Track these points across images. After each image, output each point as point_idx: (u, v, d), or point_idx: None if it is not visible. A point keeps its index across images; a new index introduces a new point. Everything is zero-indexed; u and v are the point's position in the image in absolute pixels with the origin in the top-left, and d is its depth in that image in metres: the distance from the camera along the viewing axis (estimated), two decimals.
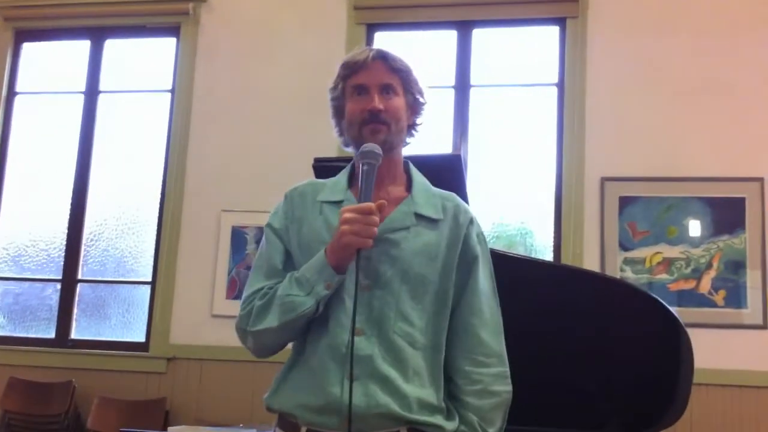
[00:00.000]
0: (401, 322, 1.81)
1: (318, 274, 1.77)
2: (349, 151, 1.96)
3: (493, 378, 1.86)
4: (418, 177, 1.98)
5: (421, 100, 1.96)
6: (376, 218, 1.74)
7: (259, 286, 1.88)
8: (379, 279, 1.81)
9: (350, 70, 1.92)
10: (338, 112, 1.97)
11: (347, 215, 1.73)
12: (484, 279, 1.93)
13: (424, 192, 1.94)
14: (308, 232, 1.88)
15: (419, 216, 1.88)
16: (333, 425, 1.74)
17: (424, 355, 1.82)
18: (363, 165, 1.81)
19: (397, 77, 1.91)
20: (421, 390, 1.80)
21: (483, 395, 1.84)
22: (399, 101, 1.91)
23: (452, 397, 1.87)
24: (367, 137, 1.86)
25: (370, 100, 1.88)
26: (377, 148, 1.82)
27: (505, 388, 1.88)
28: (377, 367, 1.77)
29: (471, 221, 1.94)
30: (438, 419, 1.81)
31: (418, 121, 1.98)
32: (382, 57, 1.91)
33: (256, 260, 1.96)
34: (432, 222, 1.89)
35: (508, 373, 1.89)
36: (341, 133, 1.97)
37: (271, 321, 1.81)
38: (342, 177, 1.97)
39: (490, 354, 1.87)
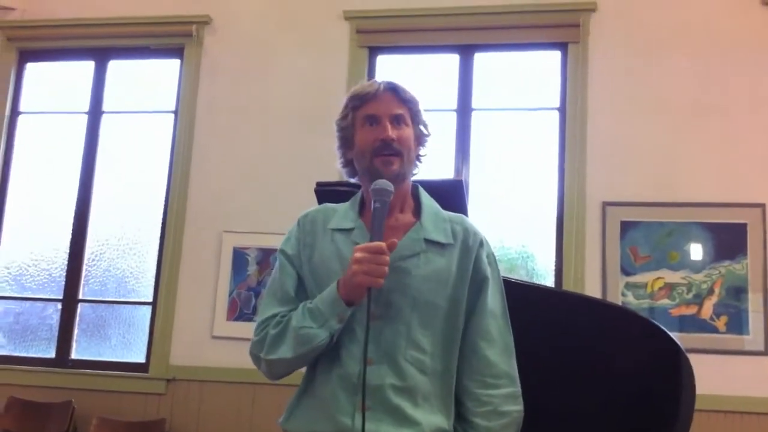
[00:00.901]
0: (412, 349, 1.83)
1: (331, 307, 1.80)
2: (354, 181, 1.98)
3: (502, 399, 1.87)
4: (427, 201, 2.00)
5: (425, 132, 2.00)
6: (387, 258, 1.76)
7: (272, 313, 1.90)
8: (390, 308, 1.83)
9: (360, 101, 1.95)
10: (346, 143, 1.99)
11: (358, 255, 1.76)
12: (494, 300, 1.95)
13: (433, 217, 1.96)
14: (319, 260, 1.91)
15: (429, 242, 1.91)
16: None
17: (434, 380, 1.84)
18: (375, 203, 1.83)
19: (406, 108, 1.95)
20: (431, 416, 1.81)
21: (492, 416, 1.85)
22: (409, 132, 1.94)
23: (462, 419, 1.88)
24: (380, 168, 1.89)
25: (383, 129, 1.90)
26: (389, 185, 1.84)
27: (516, 408, 1.88)
28: (387, 398, 1.79)
29: (481, 243, 1.96)
30: None
31: (422, 152, 2.01)
32: (393, 89, 1.95)
33: (269, 286, 1.99)
34: (441, 247, 1.91)
35: (519, 393, 1.90)
36: (346, 165, 1.99)
37: (286, 352, 1.84)
38: (352, 204, 1.99)
39: (499, 375, 1.88)
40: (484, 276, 1.93)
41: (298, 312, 1.85)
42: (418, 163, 2.01)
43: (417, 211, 1.98)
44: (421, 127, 1.98)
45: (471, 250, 1.93)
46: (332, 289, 1.81)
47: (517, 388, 1.90)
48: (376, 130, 1.91)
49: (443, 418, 1.83)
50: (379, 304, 1.82)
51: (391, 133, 1.89)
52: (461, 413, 1.88)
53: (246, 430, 4.93)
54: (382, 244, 1.76)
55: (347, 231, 1.92)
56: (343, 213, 1.97)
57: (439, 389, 1.85)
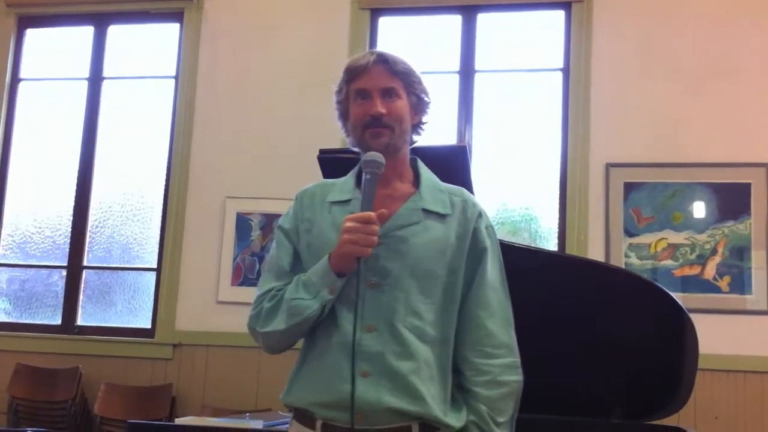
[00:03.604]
0: (411, 316, 1.83)
1: (322, 278, 1.81)
2: (358, 150, 1.98)
3: (502, 368, 1.87)
4: (425, 173, 2.00)
5: (425, 99, 1.98)
6: (376, 227, 1.77)
7: (268, 288, 1.91)
8: (388, 276, 1.84)
9: (352, 74, 1.94)
10: (343, 115, 2.00)
11: (348, 224, 1.77)
12: (493, 271, 1.94)
13: (432, 188, 1.96)
14: (317, 233, 1.91)
15: (427, 212, 1.90)
16: (346, 420, 1.77)
17: (433, 348, 1.84)
18: (366, 174, 1.83)
19: (398, 80, 1.93)
20: (431, 384, 1.82)
21: (492, 385, 1.86)
22: (401, 104, 1.93)
23: (461, 389, 1.89)
24: (370, 141, 1.89)
25: (373, 104, 1.90)
26: (380, 157, 1.84)
27: (515, 378, 1.89)
28: (388, 363, 1.79)
29: (480, 214, 1.96)
30: (447, 416, 1.82)
31: (424, 119, 2.00)
32: (383, 61, 1.93)
33: (266, 261, 2.02)
34: (440, 217, 1.91)
35: (519, 363, 1.91)
36: (348, 134, 1.99)
37: (278, 324, 1.85)
38: (350, 177, 2.00)
39: (499, 345, 1.89)
40: (483, 247, 1.93)
41: (292, 285, 1.86)
42: (420, 130, 2.00)
43: (416, 182, 1.97)
44: (419, 95, 1.96)
45: (469, 221, 1.93)
46: (324, 260, 1.82)
47: (517, 359, 1.91)
48: (365, 105, 1.91)
49: (442, 386, 1.84)
50: (376, 272, 1.83)
51: (380, 107, 1.89)
52: (461, 383, 1.89)
53: (252, 393, 4.98)
54: (371, 214, 1.77)
55: (344, 203, 1.92)
56: (341, 185, 1.98)
57: (438, 358, 1.85)
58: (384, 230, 1.83)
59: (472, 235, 1.92)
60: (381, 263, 1.83)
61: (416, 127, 1.99)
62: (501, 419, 1.85)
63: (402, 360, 1.80)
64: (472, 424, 1.84)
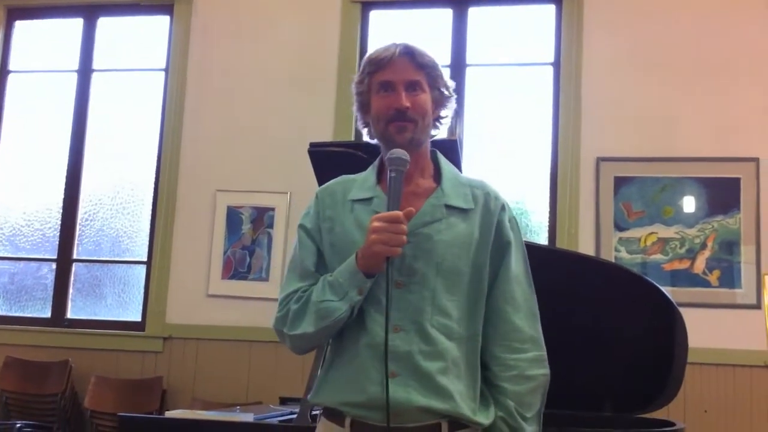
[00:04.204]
0: (438, 315, 1.82)
1: (350, 279, 1.79)
2: (374, 142, 1.96)
3: (528, 363, 1.87)
4: (446, 167, 1.97)
5: (446, 93, 1.96)
6: (404, 227, 1.75)
7: (293, 288, 1.90)
8: (414, 275, 1.82)
9: (376, 66, 1.91)
10: (363, 107, 1.97)
11: (376, 224, 1.75)
12: (517, 264, 1.93)
13: (454, 182, 1.94)
14: (340, 232, 1.89)
15: (450, 207, 1.88)
16: (377, 419, 1.77)
17: (460, 345, 1.84)
18: (391, 172, 1.81)
19: (422, 73, 1.91)
20: (459, 382, 1.81)
21: (519, 380, 1.85)
22: (425, 97, 1.90)
23: (489, 384, 1.88)
24: (394, 135, 1.87)
25: (397, 97, 1.87)
26: (404, 155, 1.82)
27: (542, 371, 1.89)
28: (417, 363, 1.78)
29: (503, 207, 1.94)
30: (476, 413, 1.82)
31: (443, 114, 1.98)
32: (409, 53, 1.90)
33: (290, 261, 1.98)
34: (463, 212, 1.89)
35: (545, 357, 1.91)
36: (366, 125, 1.97)
37: (307, 326, 1.83)
38: (371, 172, 1.97)
39: (525, 339, 1.88)
40: (507, 240, 1.92)
41: (319, 286, 1.85)
42: (439, 124, 1.98)
43: (437, 176, 1.95)
44: (441, 90, 1.94)
45: (493, 214, 1.91)
46: (351, 260, 1.80)
47: (543, 352, 1.91)
48: (390, 98, 1.88)
49: (470, 383, 1.84)
50: (403, 271, 1.82)
51: (405, 101, 1.87)
52: (488, 378, 1.88)
53: (243, 386, 4.97)
54: (399, 213, 1.75)
55: (367, 201, 1.89)
56: (361, 182, 1.95)
57: (466, 354, 1.84)
58: (409, 228, 1.80)
59: (495, 229, 1.91)
60: (407, 262, 1.82)
61: (436, 121, 1.97)
62: (529, 414, 1.85)
63: (430, 360, 1.79)
64: (500, 420, 1.84)
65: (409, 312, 1.81)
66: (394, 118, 1.87)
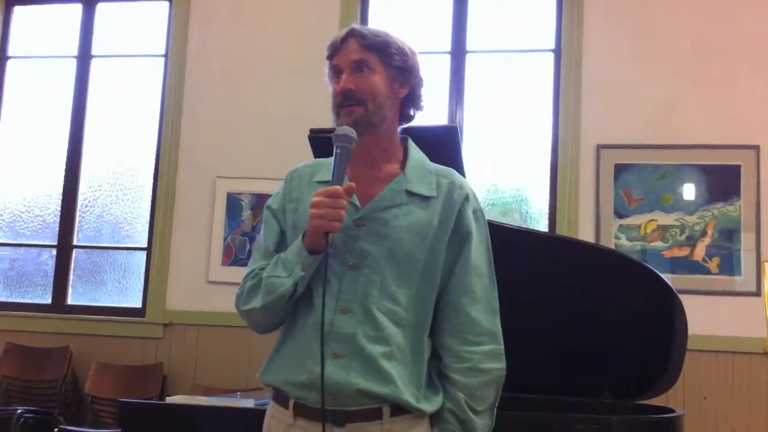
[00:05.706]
0: (386, 300, 1.80)
1: (296, 256, 1.79)
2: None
3: (483, 356, 1.83)
4: (414, 153, 1.94)
5: (409, 68, 1.90)
6: (344, 202, 1.73)
7: (253, 267, 1.90)
8: (366, 258, 1.81)
9: (329, 52, 1.91)
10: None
11: (315, 199, 1.74)
12: (478, 256, 1.89)
13: (419, 169, 1.91)
14: (303, 213, 1.86)
15: (411, 194, 1.86)
16: (316, 400, 1.74)
17: (407, 332, 1.82)
18: (336, 148, 1.79)
19: (371, 53, 1.86)
20: (402, 368, 1.79)
21: (472, 373, 1.82)
22: (375, 77, 1.86)
23: (441, 376, 1.86)
24: (343, 119, 1.85)
25: (342, 81, 1.86)
26: (350, 131, 1.79)
27: (497, 365, 1.85)
28: (361, 346, 1.77)
29: (467, 197, 1.90)
30: (419, 400, 1.79)
31: (419, 92, 1.94)
32: (355, 35, 1.87)
33: (256, 241, 1.99)
34: (424, 199, 1.86)
35: (502, 351, 1.87)
36: None
37: (257, 302, 1.84)
38: None
39: (481, 332, 1.85)
40: (468, 231, 1.88)
41: (271, 263, 1.85)
42: (414, 104, 1.94)
43: (404, 162, 1.92)
44: (401, 66, 1.88)
45: (454, 204, 1.87)
46: (299, 238, 1.81)
47: (500, 346, 1.87)
48: (338, 83, 1.87)
49: (414, 371, 1.81)
50: (355, 253, 1.81)
51: (346, 83, 1.85)
52: (441, 370, 1.85)
53: (243, 373, 4.98)
54: (339, 188, 1.73)
55: (329, 182, 1.85)
56: (329, 165, 1.91)
57: (412, 342, 1.82)
58: (365, 212, 1.81)
59: (456, 219, 1.87)
60: (360, 245, 1.81)
61: (408, 100, 1.93)
62: (480, 407, 1.82)
63: (374, 343, 1.77)
64: (447, 411, 1.81)
65: (358, 294, 1.80)
66: (342, 102, 1.85)
